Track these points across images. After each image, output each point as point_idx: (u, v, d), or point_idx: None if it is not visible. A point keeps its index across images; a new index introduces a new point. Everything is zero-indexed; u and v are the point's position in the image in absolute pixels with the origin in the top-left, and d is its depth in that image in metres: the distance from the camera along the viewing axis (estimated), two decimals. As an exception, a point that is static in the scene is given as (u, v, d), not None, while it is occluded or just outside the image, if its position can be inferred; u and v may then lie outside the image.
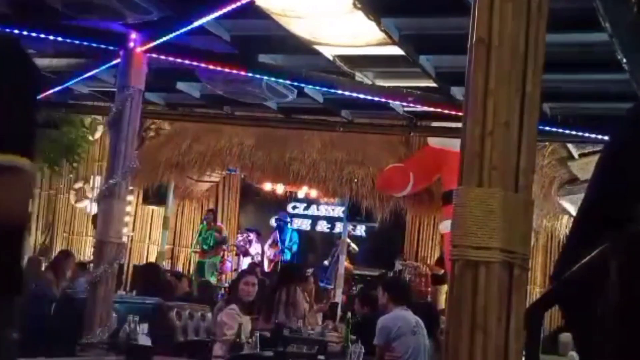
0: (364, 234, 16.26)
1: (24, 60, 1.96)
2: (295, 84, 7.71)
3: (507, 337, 2.43)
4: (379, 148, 13.01)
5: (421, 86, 7.56)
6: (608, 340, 2.22)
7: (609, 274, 2.21)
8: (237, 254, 16.02)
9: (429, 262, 14.93)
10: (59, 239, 16.92)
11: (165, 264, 15.21)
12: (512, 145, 2.50)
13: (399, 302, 6.82)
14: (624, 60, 5.68)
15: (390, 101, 8.02)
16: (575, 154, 10.93)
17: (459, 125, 2.74)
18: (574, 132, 7.95)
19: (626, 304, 2.20)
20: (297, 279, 9.15)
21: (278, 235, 15.87)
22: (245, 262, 15.39)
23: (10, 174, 1.82)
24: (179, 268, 16.23)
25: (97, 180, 15.86)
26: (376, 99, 7.71)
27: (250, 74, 7.38)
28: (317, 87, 7.88)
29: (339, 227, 15.72)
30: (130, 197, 13.83)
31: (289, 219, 16.36)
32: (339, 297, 13.05)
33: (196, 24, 6.33)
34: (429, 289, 14.31)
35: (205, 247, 15.05)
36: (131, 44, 6.71)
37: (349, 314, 7.65)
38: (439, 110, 7.77)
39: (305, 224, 17.06)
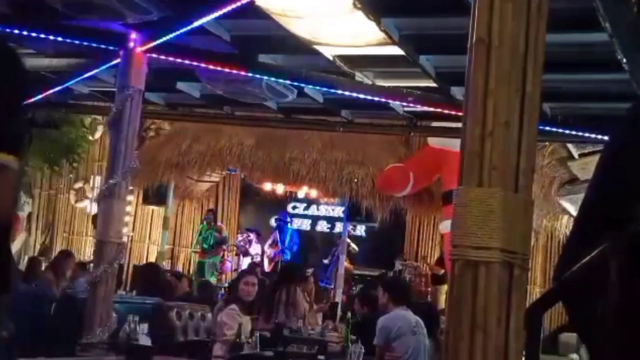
0: (364, 234, 16.26)
1: (11, 59, 1.96)
2: (295, 84, 7.71)
3: (507, 337, 2.44)
4: (379, 148, 13.00)
5: (421, 86, 7.56)
6: (608, 340, 2.22)
7: (609, 274, 2.21)
8: (237, 254, 16.02)
9: (429, 261, 14.93)
10: (59, 239, 16.92)
11: (165, 264, 15.21)
12: (512, 145, 2.50)
13: (399, 302, 6.82)
14: (624, 60, 5.68)
15: (390, 101, 8.02)
16: (575, 154, 10.93)
17: (459, 125, 2.74)
18: (574, 132, 7.95)
19: (626, 304, 2.20)
20: (297, 279, 9.15)
21: (278, 235, 15.87)
22: (245, 262, 15.39)
23: None
24: (179, 268, 16.23)
25: (97, 180, 15.87)
26: (376, 99, 7.71)
27: (250, 74, 7.38)
28: (317, 87, 7.88)
29: (339, 227, 15.72)
30: (130, 197, 13.82)
31: (289, 219, 16.37)
32: (339, 297, 13.05)
33: (196, 24, 6.33)
34: (429, 289, 14.31)
35: (205, 246, 15.05)
36: (131, 44, 6.71)
37: (349, 314, 7.64)
38: (439, 110, 7.77)
39: (305, 224, 17.06)
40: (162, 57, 7.00)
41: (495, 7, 2.55)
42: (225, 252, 15.63)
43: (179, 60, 7.19)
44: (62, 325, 6.21)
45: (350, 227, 15.02)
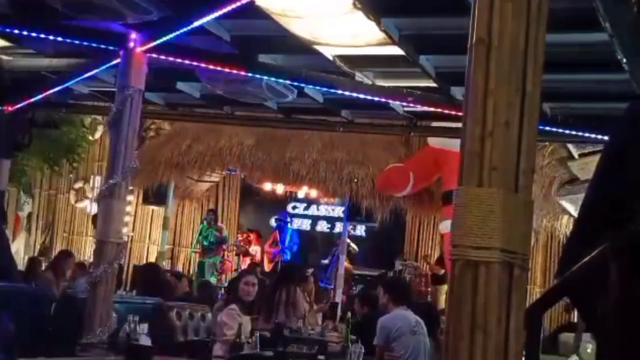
0: (364, 234, 16.26)
1: None
2: (295, 84, 7.71)
3: (507, 337, 2.43)
4: (379, 148, 13.00)
5: (421, 86, 7.56)
6: (608, 339, 2.22)
7: (608, 273, 2.21)
8: (237, 254, 16.03)
9: (429, 261, 14.93)
10: (59, 239, 16.93)
11: (165, 264, 15.21)
12: (512, 145, 2.50)
13: (399, 302, 6.82)
14: (624, 60, 5.68)
15: (390, 101, 8.02)
16: (575, 154, 10.93)
17: (459, 125, 2.74)
18: (574, 132, 7.95)
19: (626, 303, 2.21)
20: (297, 279, 9.15)
21: (278, 235, 15.88)
22: (245, 262, 15.39)
23: None
24: (179, 268, 16.24)
25: (97, 180, 15.88)
26: (376, 99, 7.71)
27: (250, 74, 7.38)
28: (317, 87, 7.88)
29: (339, 227, 15.73)
30: (130, 197, 13.83)
31: (289, 219, 16.37)
32: (339, 297, 13.05)
33: (196, 24, 6.32)
34: (429, 289, 14.31)
35: (205, 243, 15.05)
36: (131, 44, 6.71)
37: (349, 314, 7.64)
38: (439, 110, 7.77)
39: (305, 224, 17.06)
40: (162, 57, 7.00)
41: (495, 7, 2.55)
42: (225, 252, 15.63)
43: (179, 60, 7.19)
44: (62, 325, 6.20)
45: (350, 227, 15.02)
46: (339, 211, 15.92)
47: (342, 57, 7.07)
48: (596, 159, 2.52)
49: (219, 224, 15.62)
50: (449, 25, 5.97)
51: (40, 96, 8.89)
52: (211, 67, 7.36)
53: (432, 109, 7.93)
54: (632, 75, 6.08)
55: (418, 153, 12.36)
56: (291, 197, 16.54)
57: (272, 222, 16.84)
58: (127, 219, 13.92)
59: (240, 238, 16.30)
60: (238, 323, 6.09)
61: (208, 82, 8.05)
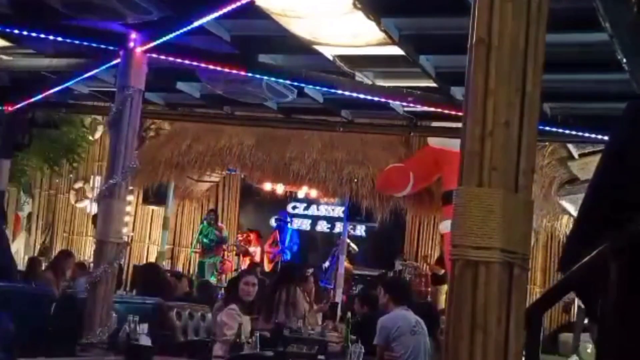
0: (364, 234, 16.26)
1: None
2: (295, 84, 7.71)
3: (507, 337, 2.43)
4: (379, 148, 13.00)
5: (421, 86, 7.56)
6: (608, 339, 2.22)
7: (608, 273, 2.21)
8: (237, 254, 16.03)
9: (429, 261, 14.93)
10: (59, 239, 16.94)
11: (165, 264, 15.21)
12: (512, 145, 2.50)
13: (399, 302, 6.82)
14: (624, 60, 5.68)
15: (390, 101, 8.02)
16: (575, 154, 10.94)
17: (459, 125, 2.74)
18: (574, 132, 7.95)
19: (626, 303, 2.21)
20: (297, 279, 9.15)
21: (278, 235, 15.88)
22: (245, 262, 15.39)
23: None
24: (179, 268, 16.24)
25: (97, 180, 15.88)
26: (376, 99, 7.71)
27: (250, 74, 7.38)
28: (317, 87, 7.88)
29: (339, 227, 15.73)
30: (130, 197, 13.84)
31: (289, 219, 16.37)
32: (339, 297, 13.05)
33: (196, 24, 6.32)
34: (429, 289, 14.31)
35: (206, 240, 15.05)
36: (131, 44, 6.71)
37: (349, 314, 7.64)
38: (439, 110, 7.77)
39: (305, 224, 17.06)
40: (162, 57, 7.00)
41: (495, 7, 2.55)
42: (225, 252, 15.64)
43: (179, 60, 7.19)
44: (62, 325, 6.20)
45: (350, 227, 15.02)
46: (339, 211, 15.92)
47: (342, 57, 7.07)
48: (596, 159, 2.52)
49: (219, 224, 15.63)
50: (449, 25, 5.97)
51: (40, 96, 8.90)
52: (211, 67, 7.36)
53: (432, 109, 7.93)
54: (632, 75, 6.08)
55: (418, 153, 12.37)
56: (291, 197, 16.54)
57: (272, 222, 16.84)
58: (127, 219, 13.92)
59: (240, 238, 16.30)
60: (238, 323, 6.09)
61: (208, 82, 8.05)
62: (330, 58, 7.02)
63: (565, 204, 11.97)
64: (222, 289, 12.50)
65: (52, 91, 8.61)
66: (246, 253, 15.87)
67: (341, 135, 11.69)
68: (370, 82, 7.59)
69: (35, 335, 5.69)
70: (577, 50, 6.12)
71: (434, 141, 10.98)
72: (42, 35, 7.07)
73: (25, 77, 9.16)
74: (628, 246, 2.24)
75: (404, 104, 7.97)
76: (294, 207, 17.03)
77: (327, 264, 14.92)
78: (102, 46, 7.05)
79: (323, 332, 8.22)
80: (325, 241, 16.70)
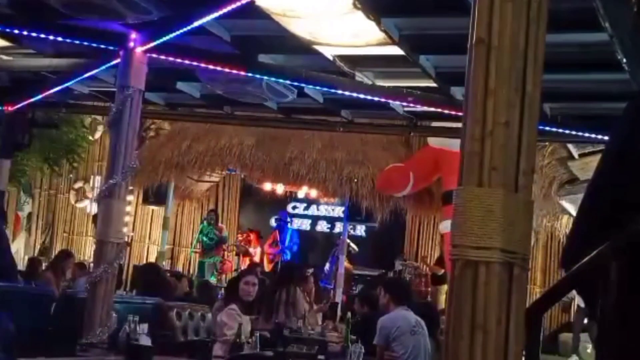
0: (364, 234, 16.26)
1: None
2: (295, 84, 7.71)
3: (507, 337, 2.43)
4: (379, 148, 13.01)
5: (421, 86, 7.56)
6: (608, 339, 2.22)
7: (609, 273, 2.21)
8: (237, 254, 16.03)
9: (429, 262, 14.93)
10: (59, 239, 16.94)
11: (165, 264, 15.21)
12: (512, 145, 2.50)
13: (400, 302, 6.82)
14: (624, 60, 5.69)
15: (390, 101, 8.02)
16: (575, 154, 10.94)
17: (459, 125, 2.74)
18: (574, 132, 7.95)
19: (626, 303, 2.20)
20: (297, 279, 9.14)
21: (278, 235, 15.87)
22: (245, 262, 15.39)
23: None
24: (179, 268, 16.25)
25: (97, 180, 15.90)
26: (376, 99, 7.71)
27: (250, 74, 7.38)
28: (317, 87, 7.88)
29: (339, 227, 15.73)
30: (130, 197, 13.83)
31: (289, 219, 16.37)
32: (339, 297, 13.05)
33: (196, 24, 6.33)
34: (429, 289, 14.31)
35: (206, 239, 15.05)
36: (131, 44, 6.71)
37: (349, 314, 7.64)
38: (439, 110, 7.77)
39: (305, 224, 17.06)
40: (162, 57, 7.00)
41: (495, 7, 2.55)
42: (226, 252, 15.64)
43: (179, 60, 7.19)
44: (62, 325, 6.20)
45: (350, 227, 15.02)
46: (339, 211, 15.93)
47: (342, 57, 7.07)
48: (596, 159, 2.52)
49: (219, 224, 15.63)
50: (449, 25, 5.97)
51: (40, 96, 8.90)
52: (211, 67, 7.36)
53: (432, 109, 7.93)
54: (632, 75, 6.08)
55: (418, 153, 12.37)
56: (291, 197, 16.54)
57: (272, 222, 16.84)
58: (127, 219, 13.91)
59: (240, 238, 16.30)
60: (238, 323, 6.08)
61: (208, 82, 8.05)
62: (330, 58, 7.02)
63: (565, 204, 11.97)
64: (222, 289, 12.51)
65: (52, 91, 8.61)
66: (246, 253, 15.87)
67: (341, 135, 11.69)
68: (370, 82, 7.59)
69: (35, 335, 5.70)
70: (577, 50, 6.12)
71: (434, 141, 10.99)
72: (42, 35, 7.07)
73: (25, 77, 9.16)
74: (628, 246, 2.23)
75: (404, 104, 7.97)
76: (294, 207, 17.03)
77: (327, 266, 14.90)
78: (102, 46, 7.05)
79: (323, 332, 8.22)
80: (325, 241, 16.70)
